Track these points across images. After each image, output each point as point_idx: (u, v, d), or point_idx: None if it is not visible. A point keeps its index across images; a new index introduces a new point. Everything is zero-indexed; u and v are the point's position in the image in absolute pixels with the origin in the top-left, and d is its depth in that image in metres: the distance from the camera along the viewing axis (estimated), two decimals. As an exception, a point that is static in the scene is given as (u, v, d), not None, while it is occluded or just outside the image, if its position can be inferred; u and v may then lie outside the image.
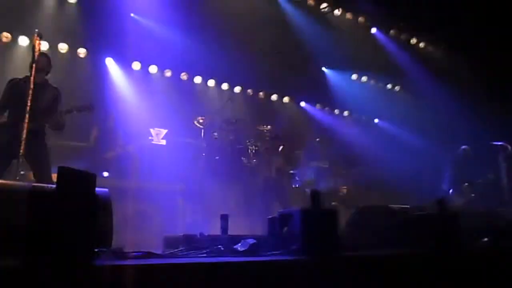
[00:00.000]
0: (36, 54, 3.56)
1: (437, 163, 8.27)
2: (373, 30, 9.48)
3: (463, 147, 7.81)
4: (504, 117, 7.80)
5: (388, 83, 9.87)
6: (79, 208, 1.59)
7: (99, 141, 6.10)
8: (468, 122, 8.24)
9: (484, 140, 7.49)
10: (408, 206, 3.79)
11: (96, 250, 1.75)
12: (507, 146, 6.89)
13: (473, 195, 7.49)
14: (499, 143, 6.99)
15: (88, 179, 1.75)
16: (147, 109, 7.10)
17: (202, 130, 6.64)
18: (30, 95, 3.51)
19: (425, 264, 2.57)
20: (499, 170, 6.98)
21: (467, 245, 3.03)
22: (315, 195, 2.46)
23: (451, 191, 7.52)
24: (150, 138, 6.45)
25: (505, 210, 5.69)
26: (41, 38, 3.62)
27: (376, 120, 10.33)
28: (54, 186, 1.70)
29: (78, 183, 1.67)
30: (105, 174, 5.91)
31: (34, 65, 3.58)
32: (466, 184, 7.52)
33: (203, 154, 6.57)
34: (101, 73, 7.22)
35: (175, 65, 7.81)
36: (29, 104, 3.48)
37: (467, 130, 8.25)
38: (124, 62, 7.47)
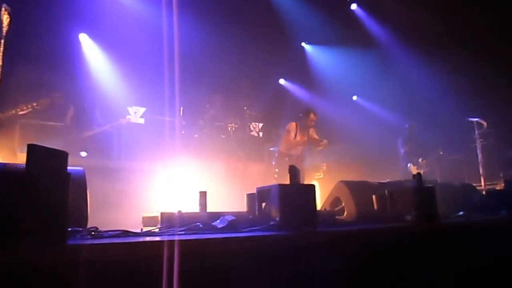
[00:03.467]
0: (4, 29, 3.42)
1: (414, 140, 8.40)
2: (353, 6, 9.44)
3: (408, 124, 8.19)
4: (482, 92, 7.92)
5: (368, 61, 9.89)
6: (49, 187, 1.55)
7: (75, 120, 5.97)
8: (445, 97, 8.35)
9: (461, 116, 7.62)
10: (387, 181, 3.85)
11: (69, 229, 1.72)
12: (483, 122, 7.00)
13: (427, 168, 7.77)
14: (475, 119, 7.09)
15: (59, 157, 1.70)
16: (125, 87, 6.97)
17: (181, 109, 6.57)
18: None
19: (402, 237, 2.61)
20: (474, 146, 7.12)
21: (443, 218, 3.08)
22: (293, 171, 2.45)
23: (409, 165, 7.73)
24: (128, 116, 6.35)
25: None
26: (9, 13, 3.48)
27: (354, 97, 10.37)
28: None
29: (48, 161, 1.62)
30: (83, 154, 5.81)
31: (3, 41, 3.45)
32: (421, 158, 7.76)
33: (182, 132, 6.52)
34: (74, 50, 7.01)
35: (153, 42, 7.63)
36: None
37: (444, 106, 8.37)
38: (99, 38, 7.26)
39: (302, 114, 6.75)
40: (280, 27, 8.59)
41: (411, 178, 6.84)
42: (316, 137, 6.78)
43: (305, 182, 5.79)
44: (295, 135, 6.64)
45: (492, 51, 7.94)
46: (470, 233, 2.99)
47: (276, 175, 6.49)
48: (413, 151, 7.88)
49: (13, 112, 4.83)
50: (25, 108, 4.87)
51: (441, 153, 7.86)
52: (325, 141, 6.72)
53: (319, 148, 6.98)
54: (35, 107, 4.92)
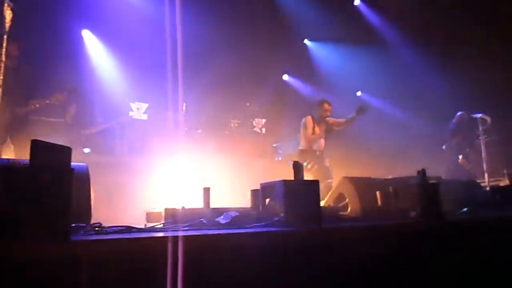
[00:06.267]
0: (7, 24, 3.41)
1: (419, 135, 8.36)
2: (357, 1, 9.41)
3: (459, 113, 7.72)
4: (485, 89, 7.87)
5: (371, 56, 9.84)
6: (53, 182, 1.54)
7: (77, 117, 5.97)
8: (449, 92, 8.31)
9: (464, 112, 7.57)
10: (390, 177, 3.83)
11: (73, 225, 1.71)
12: (486, 118, 6.95)
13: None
14: (478, 115, 7.04)
15: (63, 153, 1.69)
16: (128, 83, 6.96)
17: (184, 104, 6.57)
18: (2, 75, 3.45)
19: (406, 234, 2.59)
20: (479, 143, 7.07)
21: (447, 215, 3.07)
22: (297, 167, 2.44)
23: (460, 157, 7.47)
24: (130, 113, 6.35)
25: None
26: (12, 8, 3.47)
27: (358, 93, 10.34)
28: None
29: (52, 157, 1.61)
30: (86, 150, 5.82)
31: (6, 36, 3.45)
32: (468, 149, 7.53)
33: (185, 129, 6.52)
34: (77, 46, 7.01)
35: (155, 38, 7.60)
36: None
37: (447, 101, 8.32)
38: (102, 35, 7.25)
39: (316, 106, 6.46)
40: (283, 23, 8.56)
41: (461, 170, 6.59)
42: (339, 120, 6.45)
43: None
44: (313, 129, 6.30)
45: (495, 47, 7.91)
46: (474, 229, 2.97)
47: (312, 175, 6.08)
48: (464, 142, 7.57)
49: (32, 107, 4.88)
50: (41, 102, 4.91)
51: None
52: (350, 116, 6.35)
53: (344, 127, 6.56)
54: (52, 101, 4.94)
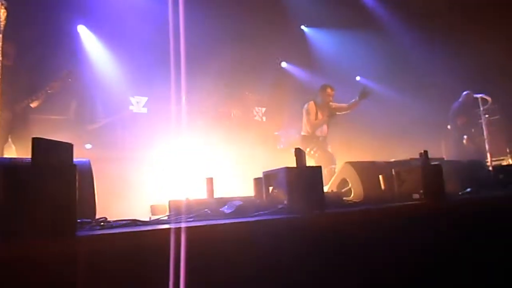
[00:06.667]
0: (2, 23, 3.40)
1: (420, 118, 8.34)
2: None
3: (465, 92, 7.62)
4: (485, 68, 7.83)
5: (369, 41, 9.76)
6: (56, 179, 1.55)
7: (78, 114, 5.98)
8: (449, 73, 8.26)
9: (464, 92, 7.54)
10: (393, 160, 3.83)
11: (78, 221, 1.72)
12: (488, 98, 6.92)
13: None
14: (479, 95, 7.01)
15: (64, 149, 1.70)
16: (126, 77, 6.94)
17: (183, 96, 6.56)
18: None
19: (410, 216, 2.60)
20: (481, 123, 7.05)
21: (451, 195, 3.07)
22: (299, 153, 2.44)
23: (465, 137, 7.43)
24: (130, 107, 6.34)
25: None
26: (5, 7, 3.45)
27: (358, 78, 10.29)
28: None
29: (54, 154, 1.62)
30: (88, 146, 5.84)
31: (1, 35, 3.44)
32: (473, 129, 7.47)
33: (186, 120, 6.52)
34: (74, 42, 6.97)
35: (152, 30, 7.54)
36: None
37: (448, 82, 8.28)
38: (97, 29, 7.20)
39: (318, 91, 6.36)
40: (278, 10, 8.49)
41: (466, 151, 6.52)
42: (341, 105, 6.33)
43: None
44: (316, 115, 6.21)
45: (494, 26, 7.84)
46: (478, 209, 2.98)
47: (315, 160, 6.02)
48: (469, 122, 7.52)
49: (28, 102, 4.84)
50: (39, 95, 4.86)
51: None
52: (353, 101, 6.22)
53: (347, 112, 6.41)
54: (48, 91, 4.87)
